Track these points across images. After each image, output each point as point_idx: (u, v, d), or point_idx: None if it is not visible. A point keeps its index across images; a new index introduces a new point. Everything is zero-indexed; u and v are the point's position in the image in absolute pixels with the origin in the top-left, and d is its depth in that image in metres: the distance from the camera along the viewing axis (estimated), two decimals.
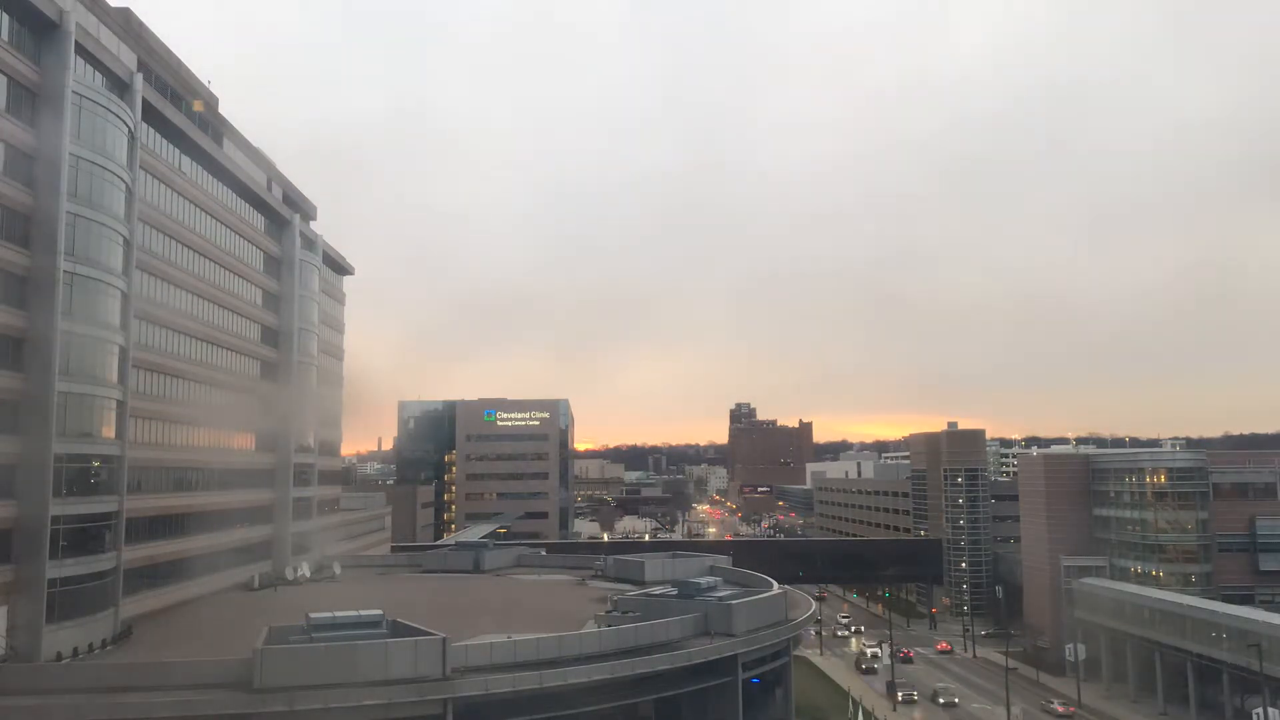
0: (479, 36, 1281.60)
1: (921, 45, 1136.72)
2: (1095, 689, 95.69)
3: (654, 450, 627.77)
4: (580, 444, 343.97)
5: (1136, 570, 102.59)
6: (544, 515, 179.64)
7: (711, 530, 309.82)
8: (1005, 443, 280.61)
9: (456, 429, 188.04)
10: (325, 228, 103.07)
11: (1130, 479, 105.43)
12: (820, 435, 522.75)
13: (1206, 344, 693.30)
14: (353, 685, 42.75)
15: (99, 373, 52.89)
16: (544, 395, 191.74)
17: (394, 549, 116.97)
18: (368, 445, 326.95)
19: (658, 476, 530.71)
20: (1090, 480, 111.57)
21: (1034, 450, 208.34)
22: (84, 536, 51.03)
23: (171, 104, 65.16)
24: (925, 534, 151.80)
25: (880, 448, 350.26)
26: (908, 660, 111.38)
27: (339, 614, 49.00)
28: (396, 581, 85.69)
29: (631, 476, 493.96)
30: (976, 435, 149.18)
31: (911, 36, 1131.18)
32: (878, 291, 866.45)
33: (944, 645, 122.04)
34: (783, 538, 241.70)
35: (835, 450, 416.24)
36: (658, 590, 66.22)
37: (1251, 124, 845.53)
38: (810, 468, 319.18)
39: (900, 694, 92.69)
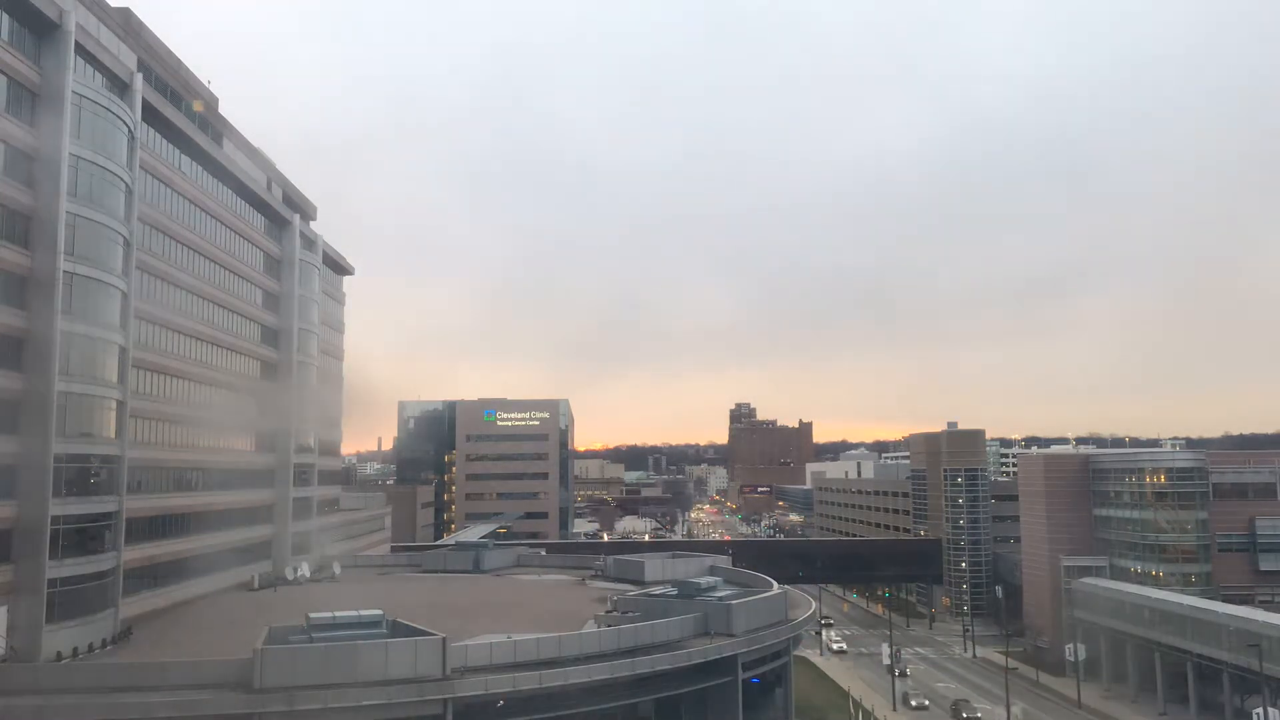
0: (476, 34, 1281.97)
1: (922, 48, 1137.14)
2: (1095, 689, 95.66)
3: (654, 450, 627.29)
4: (580, 444, 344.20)
5: (1136, 570, 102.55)
6: (544, 515, 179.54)
7: (713, 531, 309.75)
8: (1005, 443, 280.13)
9: (456, 429, 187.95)
10: (325, 228, 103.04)
11: (1130, 479, 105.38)
12: (820, 436, 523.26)
13: (1207, 344, 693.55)
14: (353, 685, 42.76)
15: (99, 373, 52.83)
16: (544, 395, 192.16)
17: (394, 549, 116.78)
18: (368, 445, 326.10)
19: (658, 476, 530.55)
20: (1090, 480, 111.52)
21: (1034, 450, 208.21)
22: (84, 536, 50.98)
23: (171, 104, 65.12)
24: (925, 534, 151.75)
25: (880, 448, 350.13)
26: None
27: (339, 614, 49.00)
28: (396, 581, 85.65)
29: (631, 476, 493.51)
30: (976, 435, 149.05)
31: (910, 37, 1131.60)
32: (877, 293, 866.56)
33: None
34: (783, 538, 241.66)
35: (835, 450, 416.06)
36: (658, 590, 66.20)
37: (1255, 122, 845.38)
38: (810, 468, 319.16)
39: (913, 701, 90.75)
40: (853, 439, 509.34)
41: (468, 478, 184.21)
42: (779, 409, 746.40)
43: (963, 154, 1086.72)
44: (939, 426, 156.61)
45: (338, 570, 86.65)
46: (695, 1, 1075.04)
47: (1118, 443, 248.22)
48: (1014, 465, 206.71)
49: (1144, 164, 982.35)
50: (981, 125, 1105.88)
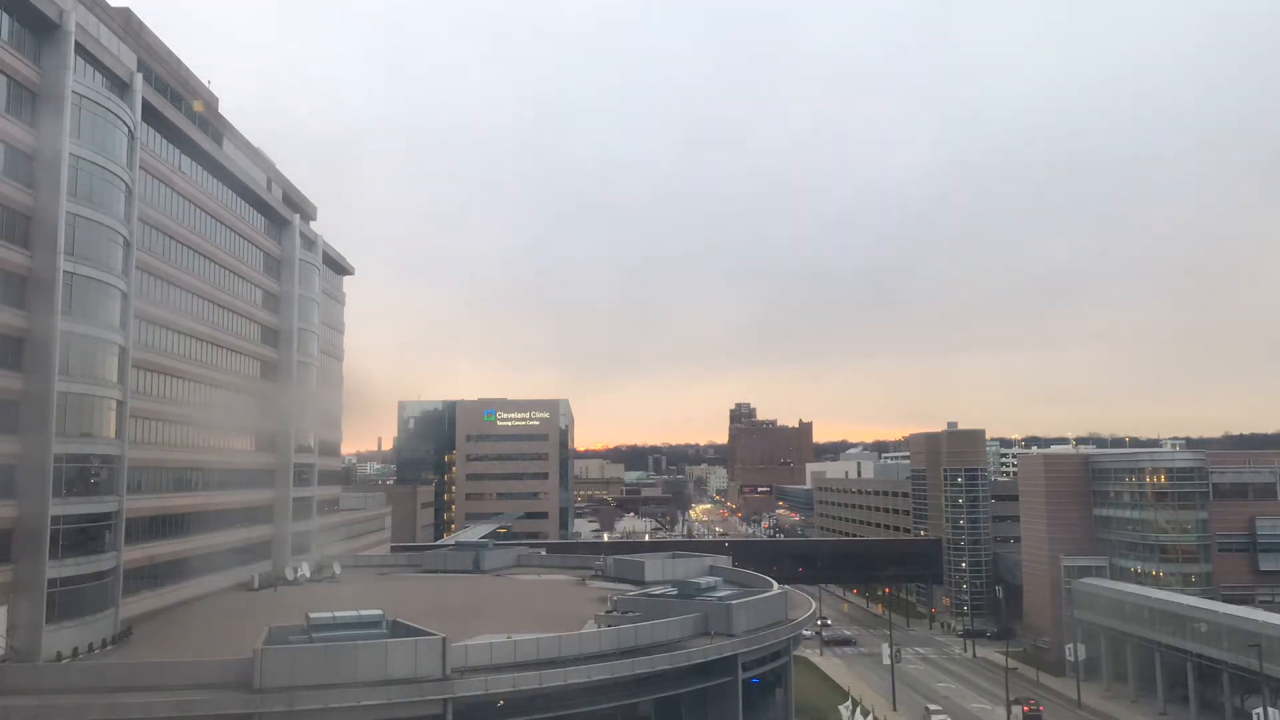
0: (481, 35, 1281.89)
1: (923, 55, 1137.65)
2: (1095, 689, 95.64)
3: (654, 450, 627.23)
4: (580, 444, 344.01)
5: (1136, 570, 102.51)
6: (544, 515, 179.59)
7: (717, 529, 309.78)
8: (1005, 443, 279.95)
9: (456, 429, 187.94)
10: (325, 228, 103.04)
11: (1130, 479, 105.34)
12: (820, 436, 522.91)
13: (1207, 344, 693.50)
14: (352, 685, 42.77)
15: (99, 373, 52.85)
16: (544, 395, 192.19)
17: (394, 549, 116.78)
18: (368, 445, 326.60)
19: (658, 476, 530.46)
20: (1090, 480, 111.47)
21: (1034, 450, 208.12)
22: (84, 536, 50.98)
23: (171, 104, 65.11)
24: (925, 534, 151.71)
25: (880, 448, 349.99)
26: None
27: (339, 614, 49.03)
28: (396, 581, 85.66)
29: (631, 476, 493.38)
30: (976, 435, 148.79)
31: (914, 44, 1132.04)
32: (878, 294, 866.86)
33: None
34: (783, 538, 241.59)
35: (835, 450, 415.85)
36: (658, 590, 66.24)
37: (1257, 126, 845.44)
38: (810, 468, 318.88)
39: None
40: (853, 439, 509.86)
41: (468, 478, 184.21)
42: (779, 409, 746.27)
43: (963, 156, 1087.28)
44: (939, 426, 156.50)
45: (338, 570, 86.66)
46: (698, 3, 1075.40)
47: (1118, 443, 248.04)
48: (1014, 465, 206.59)
49: (1145, 166, 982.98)
50: (982, 128, 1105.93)
